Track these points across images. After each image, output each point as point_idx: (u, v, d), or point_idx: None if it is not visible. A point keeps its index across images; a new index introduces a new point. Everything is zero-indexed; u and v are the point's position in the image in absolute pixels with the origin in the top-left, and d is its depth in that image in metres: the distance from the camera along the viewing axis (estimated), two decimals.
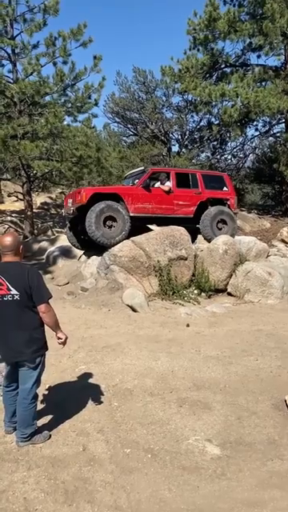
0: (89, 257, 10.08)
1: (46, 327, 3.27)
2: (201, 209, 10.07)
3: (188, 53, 16.31)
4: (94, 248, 9.32)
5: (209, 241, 9.73)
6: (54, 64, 13.46)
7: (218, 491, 2.84)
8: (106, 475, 2.98)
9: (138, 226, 9.56)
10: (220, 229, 10.03)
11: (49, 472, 2.99)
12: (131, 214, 9.17)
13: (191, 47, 16.40)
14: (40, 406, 3.80)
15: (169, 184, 9.79)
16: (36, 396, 3.33)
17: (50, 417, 3.75)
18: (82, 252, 10.53)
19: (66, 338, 3.29)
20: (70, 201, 9.68)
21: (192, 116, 19.39)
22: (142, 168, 10.40)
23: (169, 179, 9.87)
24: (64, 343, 3.29)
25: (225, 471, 3.05)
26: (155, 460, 3.16)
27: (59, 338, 3.26)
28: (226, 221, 10.16)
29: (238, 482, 2.93)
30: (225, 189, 10.58)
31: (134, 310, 7.45)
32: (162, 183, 9.86)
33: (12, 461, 3.12)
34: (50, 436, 3.41)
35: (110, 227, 8.85)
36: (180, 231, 8.91)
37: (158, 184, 9.93)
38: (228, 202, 10.51)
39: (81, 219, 9.13)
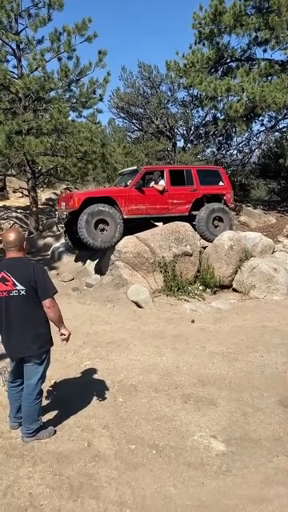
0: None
1: (51, 323, 3.28)
2: (197, 205, 9.99)
3: (193, 47, 16.13)
4: (89, 248, 9.24)
5: (205, 239, 9.69)
6: (59, 59, 13.40)
7: (223, 487, 2.83)
8: (111, 471, 2.98)
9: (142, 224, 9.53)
10: (216, 226, 9.95)
11: (54, 467, 3.00)
12: (125, 217, 9.09)
13: (196, 41, 16.22)
14: (45, 402, 3.81)
15: (162, 183, 9.67)
16: (41, 392, 3.34)
17: (55, 412, 3.76)
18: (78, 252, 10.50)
19: (69, 334, 3.30)
20: (63, 204, 9.60)
21: (197, 111, 19.23)
22: (135, 167, 10.26)
23: (163, 177, 9.75)
24: (67, 339, 3.30)
25: (230, 467, 3.04)
26: (160, 456, 3.16)
27: (62, 334, 3.27)
28: (222, 218, 10.08)
29: (243, 479, 2.92)
30: (221, 183, 10.44)
31: (138, 305, 7.45)
32: (156, 182, 9.76)
33: (17, 456, 3.14)
34: (55, 432, 3.43)
35: (103, 230, 8.81)
36: (185, 227, 8.86)
37: (152, 184, 9.83)
38: (224, 198, 10.40)
39: (75, 220, 9.04)
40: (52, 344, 3.36)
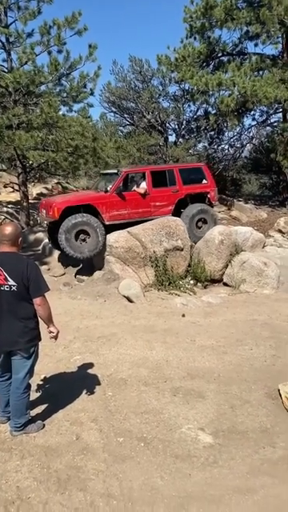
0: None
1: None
2: (181, 204, 9.97)
3: (184, 41, 16.06)
4: None
5: (194, 243, 9.72)
6: (49, 53, 13.20)
7: (210, 479, 2.87)
8: (99, 464, 3.00)
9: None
10: (199, 227, 9.94)
11: (42, 461, 3.02)
12: (107, 223, 9.05)
13: (188, 36, 16.15)
14: (34, 396, 3.82)
15: (144, 186, 9.58)
16: (29, 386, 3.35)
17: (43, 406, 3.77)
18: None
19: (58, 333, 3.30)
20: (44, 212, 9.47)
21: (189, 105, 19.12)
22: (115, 171, 10.12)
23: (144, 179, 9.66)
24: (55, 337, 3.31)
25: (217, 459, 3.07)
26: (148, 448, 3.18)
27: (51, 332, 3.27)
28: (206, 219, 10.07)
29: (230, 470, 2.95)
30: (204, 181, 10.37)
31: (130, 300, 7.45)
32: (138, 185, 9.65)
33: (5, 450, 3.14)
34: (44, 425, 3.44)
35: (85, 240, 8.79)
36: (176, 222, 8.87)
37: (134, 187, 9.72)
38: (208, 195, 10.35)
39: (57, 227, 8.94)
40: (40, 339, 3.36)
